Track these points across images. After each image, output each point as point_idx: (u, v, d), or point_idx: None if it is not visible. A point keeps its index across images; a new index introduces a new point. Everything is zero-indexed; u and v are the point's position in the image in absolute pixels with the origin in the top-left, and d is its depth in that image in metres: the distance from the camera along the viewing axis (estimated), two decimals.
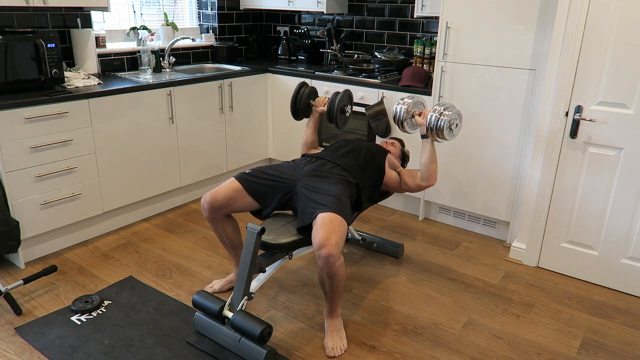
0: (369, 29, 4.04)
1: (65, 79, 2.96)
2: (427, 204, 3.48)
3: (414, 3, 3.48)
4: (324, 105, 2.70)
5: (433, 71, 3.34)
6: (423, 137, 2.43)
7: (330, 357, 2.12)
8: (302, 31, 4.22)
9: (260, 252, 2.18)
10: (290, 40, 4.38)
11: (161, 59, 3.69)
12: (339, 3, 3.94)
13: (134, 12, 3.79)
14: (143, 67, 3.50)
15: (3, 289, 2.35)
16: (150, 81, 3.19)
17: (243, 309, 2.08)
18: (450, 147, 3.17)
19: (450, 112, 2.34)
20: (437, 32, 3.19)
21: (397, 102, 2.54)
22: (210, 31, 4.31)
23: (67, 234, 2.95)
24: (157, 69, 3.62)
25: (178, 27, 4.00)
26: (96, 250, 2.94)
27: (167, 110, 3.27)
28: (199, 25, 4.35)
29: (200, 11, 4.32)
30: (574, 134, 2.60)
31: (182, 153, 3.43)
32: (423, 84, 3.31)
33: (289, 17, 4.50)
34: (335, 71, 3.70)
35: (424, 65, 3.57)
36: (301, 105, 2.73)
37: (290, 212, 2.32)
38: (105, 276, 2.67)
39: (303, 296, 2.55)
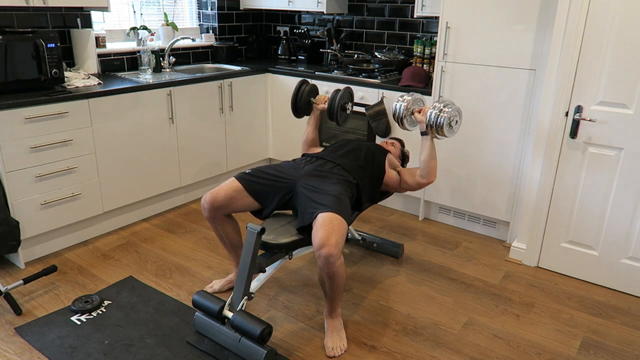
0: (369, 29, 4.04)
1: (65, 79, 2.96)
2: (427, 204, 3.48)
3: (414, 3, 3.48)
4: (324, 103, 2.70)
5: (433, 71, 3.34)
6: (423, 134, 2.43)
7: (330, 357, 2.12)
8: (302, 31, 4.22)
9: (260, 252, 2.18)
10: (290, 40, 4.38)
11: (161, 59, 3.69)
12: (339, 3, 3.94)
13: (134, 12, 3.79)
14: (143, 67, 3.50)
15: (3, 289, 2.35)
16: (150, 81, 3.19)
17: (243, 309, 2.08)
18: (450, 147, 3.17)
19: (449, 109, 2.34)
20: (437, 32, 3.19)
21: (396, 99, 2.54)
22: (210, 31, 4.31)
23: (67, 234, 2.95)
24: (157, 69, 3.62)
25: (178, 27, 4.00)
26: (96, 250, 2.94)
27: (167, 110, 3.27)
28: (199, 25, 4.35)
29: (200, 11, 4.32)
30: (574, 134, 2.60)
31: (182, 153, 3.43)
32: (423, 84, 3.31)
33: (289, 17, 4.50)
34: (335, 71, 3.70)
35: (424, 65, 3.57)
36: (302, 103, 2.72)
37: (290, 212, 2.32)
38: (105, 276, 2.67)
39: (303, 296, 2.55)
